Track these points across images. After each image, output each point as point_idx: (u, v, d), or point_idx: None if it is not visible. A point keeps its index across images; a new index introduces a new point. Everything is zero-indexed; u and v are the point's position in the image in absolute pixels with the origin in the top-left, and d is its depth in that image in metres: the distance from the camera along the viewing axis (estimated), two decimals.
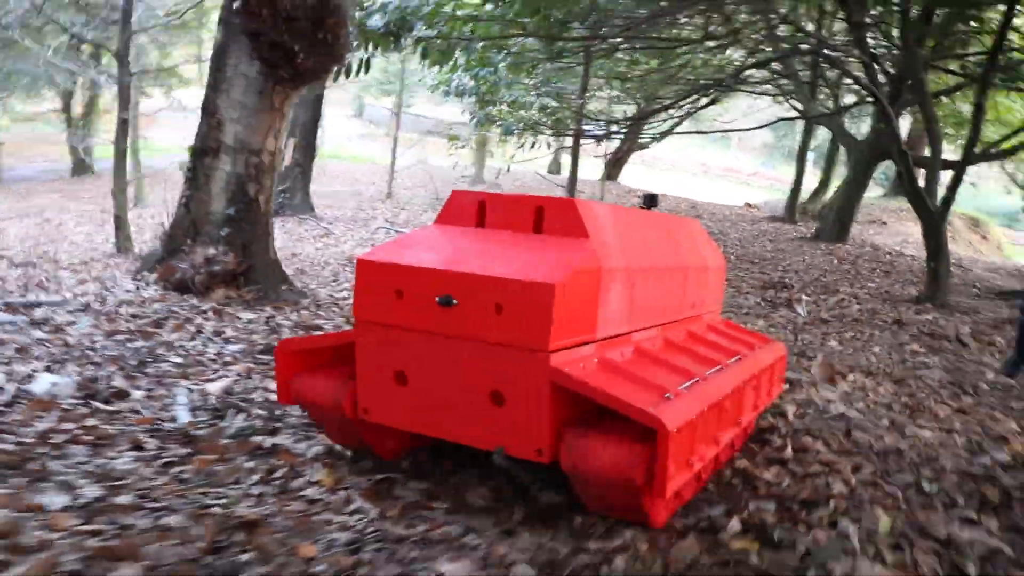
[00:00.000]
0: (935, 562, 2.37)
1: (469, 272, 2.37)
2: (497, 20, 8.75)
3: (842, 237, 14.13)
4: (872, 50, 10.79)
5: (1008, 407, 4.83)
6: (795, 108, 16.18)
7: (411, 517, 2.49)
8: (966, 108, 17.11)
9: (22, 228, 11.71)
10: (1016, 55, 10.67)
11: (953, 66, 13.43)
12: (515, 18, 8.62)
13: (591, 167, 21.52)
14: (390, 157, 19.26)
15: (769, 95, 17.15)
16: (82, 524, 2.27)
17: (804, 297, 8.53)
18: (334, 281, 7.19)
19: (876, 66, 10.60)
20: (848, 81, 14.28)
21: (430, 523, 2.45)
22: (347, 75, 6.96)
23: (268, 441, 3.03)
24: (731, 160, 50.53)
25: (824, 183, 19.92)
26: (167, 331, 4.68)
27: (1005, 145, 11.36)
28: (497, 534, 2.39)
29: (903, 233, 18.43)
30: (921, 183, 9.52)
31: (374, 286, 2.53)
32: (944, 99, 14.79)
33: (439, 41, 8.47)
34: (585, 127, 11.67)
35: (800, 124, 19.38)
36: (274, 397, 3.51)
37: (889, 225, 19.52)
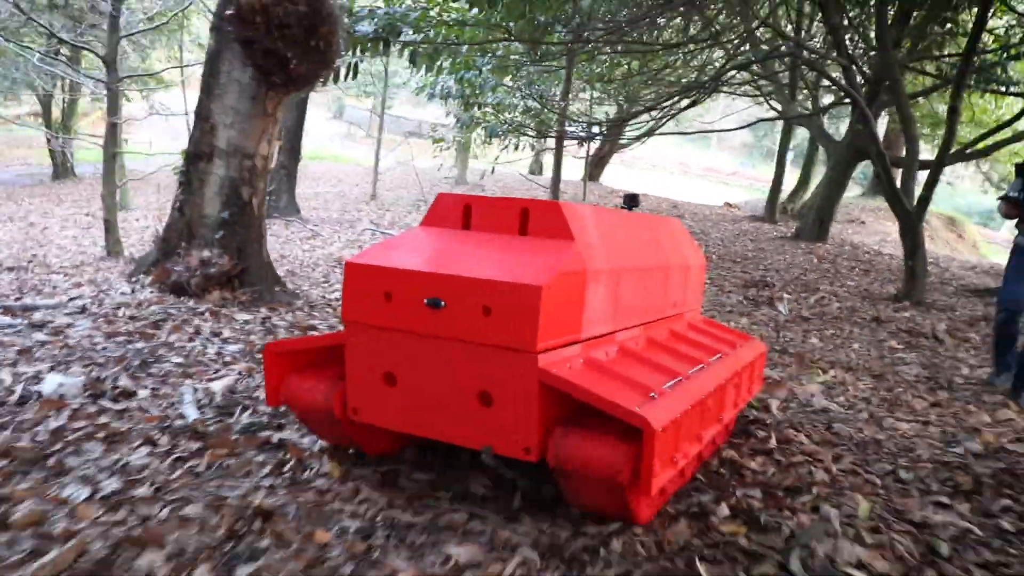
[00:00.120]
0: (911, 543, 2.52)
1: (457, 275, 2.40)
2: (483, 24, 8.87)
3: (822, 236, 14.34)
4: (850, 52, 10.98)
5: (981, 401, 5.00)
6: (774, 109, 16.39)
7: (418, 505, 2.62)
8: (942, 108, 17.41)
9: (7, 232, 11.71)
10: (990, 57, 10.89)
11: (929, 68, 13.68)
12: (500, 23, 8.74)
13: (572, 167, 21.68)
14: (373, 159, 19.33)
15: (749, 96, 17.37)
16: (105, 514, 2.39)
17: (785, 295, 8.70)
18: (325, 282, 7.30)
19: (854, 67, 10.80)
20: (827, 82, 14.51)
21: (436, 511, 2.57)
22: (335, 80, 7.06)
23: (275, 436, 3.14)
24: (711, 160, 50.88)
25: (803, 183, 20.16)
26: (166, 332, 4.77)
27: (980, 145, 11.57)
28: (500, 520, 2.52)
29: (881, 232, 18.68)
30: (898, 183, 9.73)
31: (363, 288, 2.56)
32: (920, 100, 15.05)
33: (425, 46, 8.58)
34: (568, 129, 11.83)
35: (779, 124, 19.61)
36: None
37: (867, 224, 19.77)
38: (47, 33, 17.00)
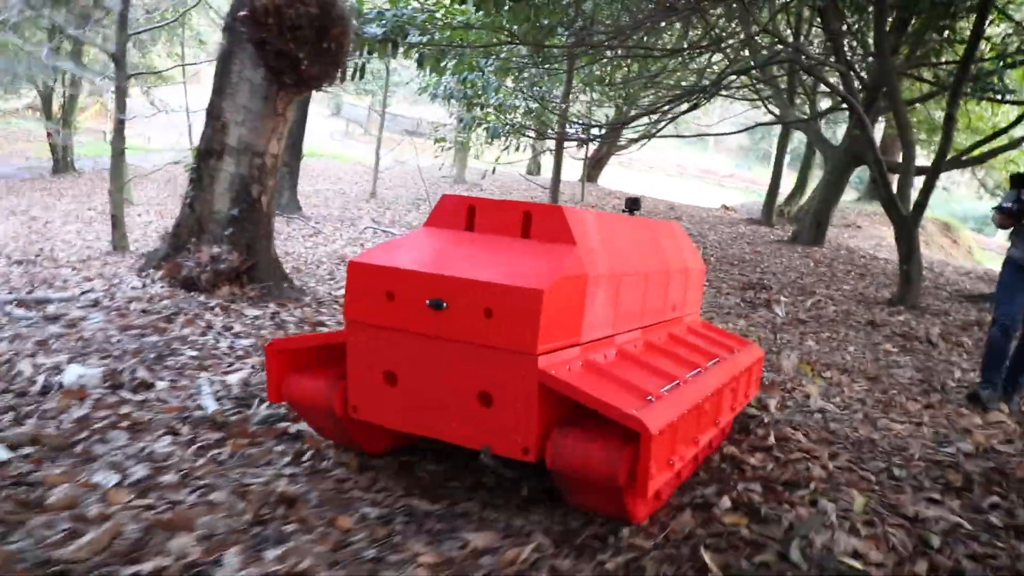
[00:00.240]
0: (904, 535, 2.63)
1: (460, 276, 2.43)
2: (488, 28, 9.00)
3: (818, 240, 14.47)
4: (848, 58, 11.11)
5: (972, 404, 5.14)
6: (772, 113, 16.53)
7: (434, 494, 2.73)
8: (938, 115, 17.56)
9: (10, 226, 11.80)
10: (986, 65, 11.02)
11: (926, 74, 13.82)
12: (505, 26, 8.86)
13: (570, 168, 21.82)
14: (373, 157, 19.43)
15: (747, 100, 17.51)
16: (135, 499, 2.49)
17: (782, 298, 8.83)
18: (331, 279, 7.40)
19: (852, 73, 10.94)
20: (824, 87, 14.66)
21: (451, 500, 2.69)
22: (342, 80, 7.18)
23: (293, 427, 3.25)
24: (707, 161, 51.04)
25: (800, 187, 20.31)
26: (178, 326, 4.87)
27: (976, 152, 11.71)
28: (514, 509, 2.64)
29: (877, 236, 18.83)
30: (895, 188, 9.85)
31: (366, 288, 2.59)
32: (917, 106, 15.19)
33: (432, 48, 8.70)
34: (568, 130, 11.95)
35: (777, 128, 19.75)
36: None
37: (863, 228, 19.92)
38: (48, 28, 17.17)
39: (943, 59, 12.98)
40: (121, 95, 7.76)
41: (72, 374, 3.70)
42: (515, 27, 8.81)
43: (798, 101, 16.37)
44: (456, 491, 2.78)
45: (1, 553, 2.04)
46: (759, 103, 16.92)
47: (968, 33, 11.05)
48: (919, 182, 10.10)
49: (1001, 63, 10.91)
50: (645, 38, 11.50)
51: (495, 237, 2.73)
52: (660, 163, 45.58)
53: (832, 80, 12.16)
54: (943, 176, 9.77)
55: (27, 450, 2.81)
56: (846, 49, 11.39)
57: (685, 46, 11.85)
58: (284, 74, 5.45)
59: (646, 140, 11.84)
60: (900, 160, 11.94)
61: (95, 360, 4.02)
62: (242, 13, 5.30)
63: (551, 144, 12.44)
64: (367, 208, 15.91)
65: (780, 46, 11.13)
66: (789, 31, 13.40)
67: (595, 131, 13.56)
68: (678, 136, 13.33)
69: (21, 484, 2.52)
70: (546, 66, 11.14)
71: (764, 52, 11.73)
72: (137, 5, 14.53)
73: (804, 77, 15.00)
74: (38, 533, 2.20)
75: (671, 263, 3.48)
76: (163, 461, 2.82)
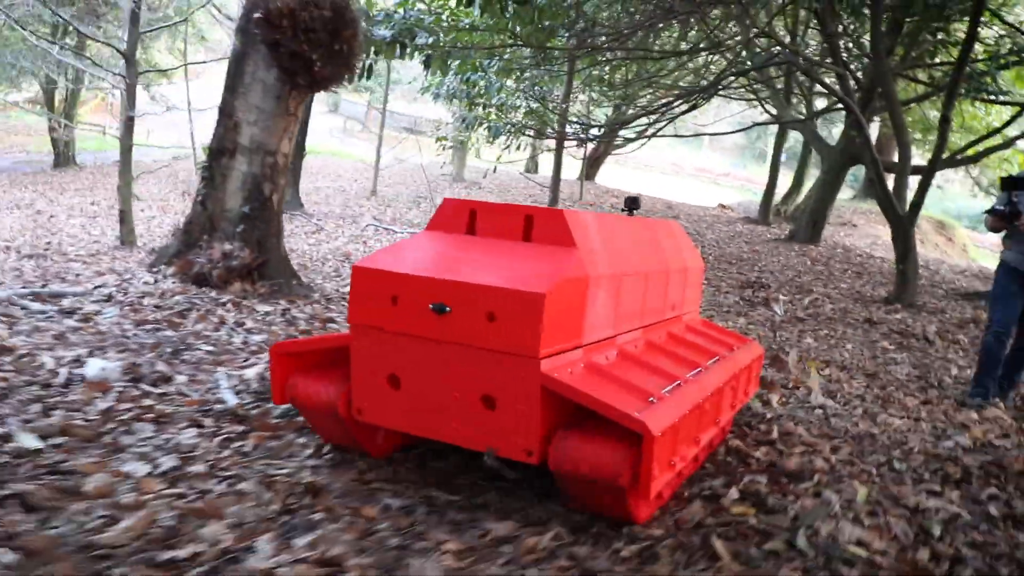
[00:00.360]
0: (905, 524, 2.74)
1: (462, 281, 2.46)
2: (492, 29, 9.10)
3: (815, 239, 14.59)
4: (844, 59, 11.22)
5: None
6: (769, 112, 16.64)
7: (452, 486, 2.83)
8: (933, 114, 17.68)
9: (16, 220, 11.86)
10: (980, 66, 11.14)
11: (920, 75, 13.93)
12: (509, 28, 8.97)
13: (568, 167, 21.91)
14: (372, 155, 19.51)
15: (744, 100, 17.62)
16: (167, 488, 2.59)
17: (781, 296, 8.93)
18: (337, 276, 7.49)
19: (848, 74, 11.04)
20: (820, 87, 14.77)
21: (469, 492, 2.79)
22: (351, 81, 7.26)
23: None
24: (703, 160, 51.07)
25: (797, 186, 20.42)
26: (192, 321, 4.97)
27: (971, 151, 11.83)
28: (530, 500, 2.74)
29: (872, 235, 18.95)
30: (891, 188, 9.96)
31: (370, 292, 2.61)
32: (912, 106, 15.30)
33: (439, 49, 8.80)
34: (568, 130, 12.05)
35: (773, 127, 19.86)
36: None
37: (859, 227, 20.04)
38: (52, 23, 17.22)
39: (937, 60, 13.10)
40: (131, 92, 7.84)
41: (94, 367, 3.79)
42: (518, 29, 8.92)
43: (794, 101, 16.48)
44: (473, 483, 2.87)
45: (45, 538, 2.13)
46: (756, 103, 17.04)
47: (961, 35, 11.18)
48: (914, 181, 10.24)
49: (994, 64, 11.01)
50: (642, 39, 11.60)
51: (496, 241, 2.76)
52: (656, 162, 45.63)
53: (828, 81, 12.29)
54: (937, 174, 9.85)
55: (58, 440, 2.90)
56: (842, 51, 11.48)
57: (683, 47, 11.98)
58: (298, 75, 5.55)
59: (646, 140, 11.94)
60: (895, 159, 12.06)
61: (113, 354, 4.11)
62: (257, 15, 5.40)
63: (551, 143, 12.53)
64: (368, 205, 16.00)
65: (777, 48, 11.23)
66: (786, 32, 13.50)
67: (594, 131, 13.66)
68: (678, 136, 13.42)
69: (55, 472, 2.61)
70: (545, 68, 11.24)
71: (761, 53, 11.85)
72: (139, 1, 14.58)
73: (801, 78, 15.11)
74: (77, 519, 2.29)
75: (670, 262, 3.52)
76: (189, 452, 2.91)
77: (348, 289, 6.71)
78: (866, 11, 10.75)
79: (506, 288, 2.40)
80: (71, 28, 18.57)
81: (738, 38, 11.54)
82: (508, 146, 12.19)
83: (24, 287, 5.62)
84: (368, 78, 8.88)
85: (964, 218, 27.65)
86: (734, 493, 2.89)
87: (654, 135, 11.44)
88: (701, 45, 11.27)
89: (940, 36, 12.30)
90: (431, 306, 2.49)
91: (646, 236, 3.38)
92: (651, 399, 2.51)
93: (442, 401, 2.56)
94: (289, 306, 5.59)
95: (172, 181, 18.23)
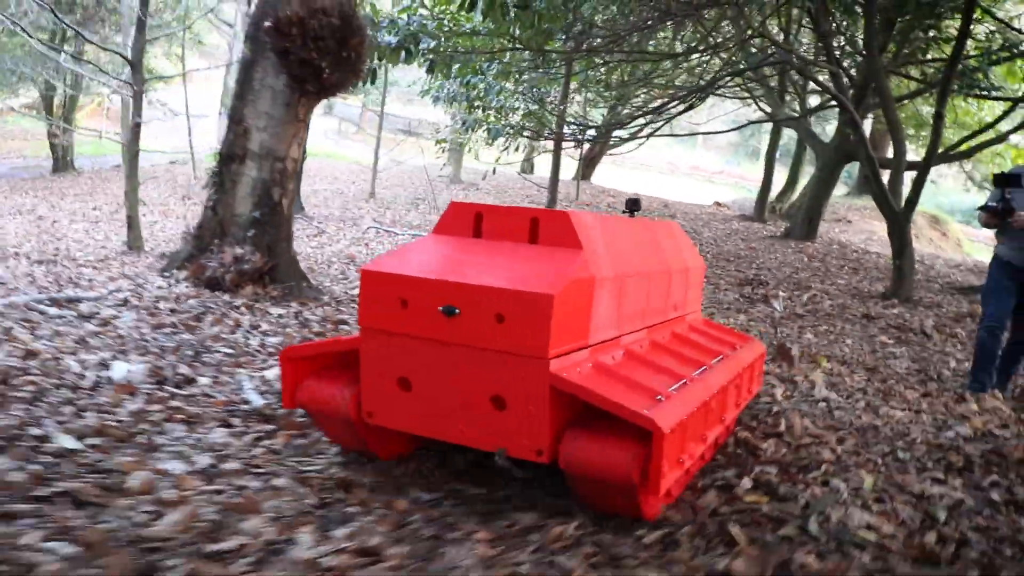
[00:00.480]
0: (912, 510, 2.86)
1: (471, 283, 2.48)
2: (493, 34, 9.23)
3: (810, 235, 14.70)
4: (838, 58, 11.34)
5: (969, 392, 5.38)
6: (763, 111, 16.76)
7: (476, 479, 2.94)
8: (926, 110, 17.85)
9: (19, 226, 11.94)
10: (972, 62, 11.26)
11: (913, 72, 14.07)
12: (509, 32, 9.09)
13: (564, 167, 22.01)
14: (369, 157, 19.61)
15: (738, 98, 17.75)
16: (205, 485, 2.70)
17: (780, 293, 9.06)
18: (344, 279, 7.60)
19: (842, 72, 11.18)
20: (814, 85, 14.90)
21: (491, 485, 2.90)
22: (354, 86, 7.39)
23: None
24: (697, 158, 51.23)
25: (791, 183, 20.56)
26: (208, 325, 5.08)
27: (964, 147, 11.96)
28: (553, 491, 2.85)
29: (867, 231, 19.10)
30: (886, 184, 10.09)
31: (379, 295, 2.63)
32: (905, 102, 15.44)
33: (441, 54, 8.93)
34: (565, 131, 12.18)
35: (767, 125, 20.01)
36: None
37: (854, 223, 20.19)
38: (50, 30, 17.30)
39: (929, 56, 13.23)
40: (138, 99, 7.94)
41: (120, 370, 3.90)
42: (518, 32, 9.04)
43: (788, 98, 16.61)
44: (495, 477, 2.98)
45: (98, 532, 2.24)
46: (750, 101, 17.16)
47: (953, 31, 11.32)
48: (908, 177, 10.37)
49: (985, 60, 11.13)
50: (639, 40, 11.72)
51: (503, 243, 2.79)
52: (651, 161, 45.75)
53: (821, 78, 12.42)
54: (931, 169, 9.97)
55: (94, 440, 3.00)
56: (835, 49, 11.61)
57: (679, 49, 12.10)
58: (307, 82, 5.66)
59: (644, 140, 12.07)
60: (889, 156, 12.20)
61: (136, 357, 4.21)
62: (267, 24, 5.50)
63: (548, 144, 12.65)
64: (367, 208, 16.11)
65: (772, 48, 11.36)
66: (779, 30, 13.62)
67: (591, 132, 13.79)
68: (674, 135, 13.56)
69: (97, 471, 2.72)
70: (543, 70, 11.36)
71: (756, 52, 11.97)
72: (134, 7, 14.66)
73: (795, 76, 15.24)
74: (125, 515, 2.40)
75: (672, 263, 3.56)
76: (222, 450, 3.02)
77: (356, 291, 6.85)
78: (859, 10, 10.90)
79: (515, 290, 2.42)
80: (69, 35, 18.71)
81: (732, 39, 11.67)
82: (507, 147, 12.31)
83: (40, 292, 5.72)
84: (373, 83, 9.00)
85: (957, 212, 27.86)
86: (747, 483, 3.00)
87: (651, 135, 11.56)
88: (697, 46, 11.39)
89: (932, 33, 12.42)
90: (440, 308, 2.51)
91: (648, 237, 3.42)
92: (659, 397, 2.54)
93: (452, 403, 2.58)
94: (301, 308, 5.70)
95: (171, 186, 18.31)
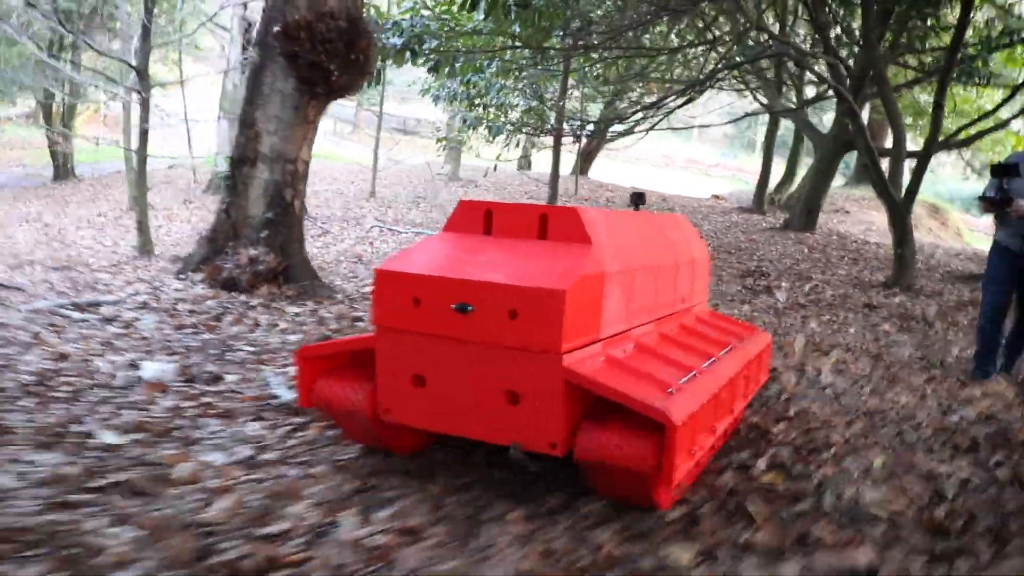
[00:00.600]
0: (921, 488, 2.99)
1: (484, 280, 2.51)
2: (495, 32, 9.36)
3: (810, 227, 14.81)
4: (834, 48, 11.45)
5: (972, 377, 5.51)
6: (759, 102, 16.87)
7: (501, 464, 3.07)
8: (924, 98, 17.98)
9: (27, 234, 12.06)
10: (971, 50, 11.35)
11: (911, 61, 14.19)
12: (509, 31, 9.23)
13: (561, 161, 22.11)
14: (367, 157, 19.72)
15: (735, 90, 17.87)
16: (247, 474, 2.83)
17: (783, 284, 9.19)
18: (354, 277, 7.72)
19: (840, 62, 11.28)
20: (810, 75, 15.02)
21: (519, 469, 3.03)
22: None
23: None
24: (693, 151, 51.31)
25: (790, 174, 20.69)
26: (227, 324, 5.20)
27: (963, 135, 12.05)
28: (576, 475, 2.98)
29: (866, 221, 19.24)
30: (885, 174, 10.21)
31: (392, 294, 2.66)
32: (902, 91, 15.56)
33: (444, 54, 9.06)
34: (565, 127, 12.31)
35: (765, 117, 20.13)
36: None
37: (852, 214, 20.33)
38: (49, 38, 17.40)
39: (927, 45, 13.32)
40: (145, 105, 8.07)
41: (151, 369, 4.02)
42: (518, 30, 9.18)
43: (784, 90, 16.72)
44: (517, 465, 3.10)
45: (156, 517, 2.37)
46: (746, 93, 17.26)
47: (951, 19, 11.42)
48: (907, 166, 10.49)
49: (984, 48, 11.20)
50: (635, 36, 11.83)
51: (513, 240, 2.82)
52: (648, 154, 45.81)
53: (818, 69, 12.53)
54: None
55: (135, 435, 3.13)
56: (832, 39, 11.71)
57: (674, 42, 12.22)
58: (316, 84, 5.78)
59: (643, 134, 12.19)
60: (887, 145, 12.30)
61: (161, 356, 4.34)
62: (276, 29, 5.62)
63: (548, 140, 12.77)
64: (368, 207, 16.21)
65: (770, 40, 11.47)
66: (774, 21, 13.71)
67: (590, 127, 13.91)
68: (672, 128, 13.69)
69: (142, 464, 2.85)
70: (543, 67, 11.48)
71: (752, 44, 12.08)
72: (133, 13, 14.75)
73: (792, 68, 15.35)
74: (176, 502, 2.53)
75: (679, 255, 3.60)
76: (259, 442, 3.15)
77: (367, 289, 6.98)
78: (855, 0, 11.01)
79: (528, 286, 2.46)
80: (68, 42, 18.83)
81: (728, 31, 11.79)
82: (508, 144, 12.44)
83: (60, 298, 5.84)
84: (378, 84, 9.13)
85: (956, 201, 27.95)
86: (762, 464, 3.13)
87: (651, 129, 11.69)
88: (694, 40, 11.51)
89: (930, 22, 12.50)
90: (454, 306, 2.54)
91: (654, 230, 3.46)
92: (670, 390, 2.57)
93: (467, 398, 2.62)
94: (317, 307, 5.83)
95: (172, 190, 18.40)
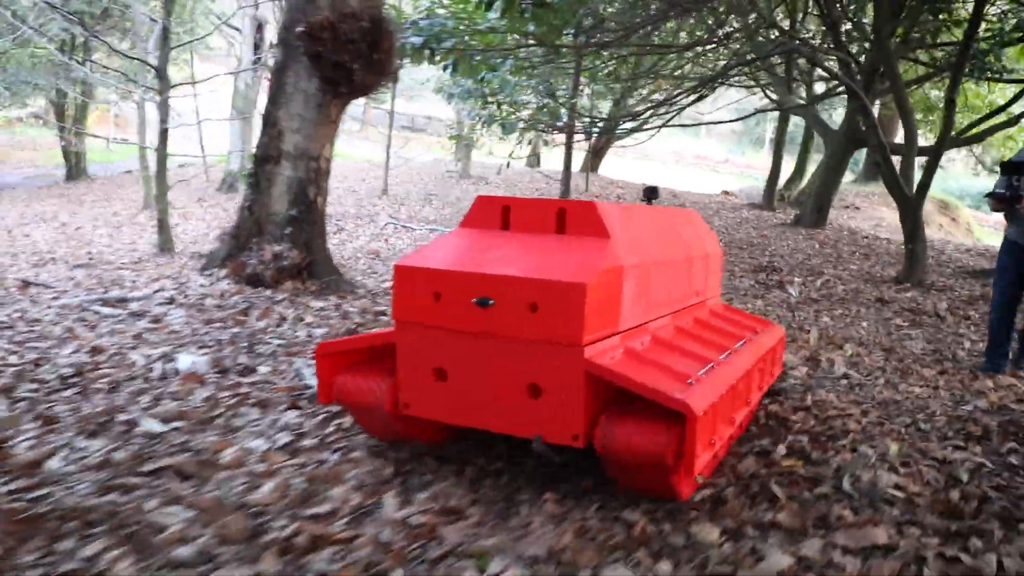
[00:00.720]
0: (936, 473, 3.09)
1: (504, 274, 2.54)
2: (510, 31, 9.48)
3: (820, 223, 14.85)
4: (845, 44, 11.50)
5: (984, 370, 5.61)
6: (770, 98, 16.92)
7: (528, 450, 3.18)
8: (935, 94, 18.00)
9: (45, 233, 12.22)
10: (983, 45, 11.38)
11: (922, 56, 14.21)
12: (524, 29, 9.34)
13: (572, 158, 22.19)
14: (376, 155, 19.85)
15: (745, 87, 17.93)
16: (289, 459, 2.95)
17: (796, 279, 9.28)
18: (373, 273, 7.85)
19: (851, 58, 11.34)
20: (820, 70, 15.07)
21: (540, 458, 3.14)
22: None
23: None
24: (701, 147, 51.31)
25: (800, 171, 20.73)
26: (254, 319, 5.32)
27: (975, 131, 12.08)
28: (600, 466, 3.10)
29: (876, 217, 19.28)
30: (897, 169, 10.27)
31: (412, 289, 2.70)
32: (914, 87, 15.59)
33: (463, 52, 9.18)
34: (577, 124, 12.41)
35: (773, 113, 20.18)
36: None
37: (863, 210, 20.37)
38: (60, 39, 17.57)
39: (939, 40, 13.34)
40: (164, 105, 8.20)
41: (186, 361, 4.15)
42: (533, 29, 9.29)
43: (795, 86, 16.76)
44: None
45: (208, 499, 2.49)
46: (756, 89, 17.31)
47: (964, 13, 11.44)
48: (917, 162, 10.54)
49: (997, 43, 11.21)
50: (647, 33, 11.92)
51: (531, 235, 2.85)
52: (657, 151, 45.84)
53: (828, 65, 12.59)
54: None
55: (177, 424, 3.26)
56: (843, 35, 11.77)
57: (683, 39, 12.30)
58: (339, 84, 5.90)
59: (656, 131, 12.29)
60: (897, 141, 12.34)
61: (195, 349, 4.47)
62: (299, 29, 5.74)
63: (559, 137, 12.87)
64: (381, 204, 16.35)
65: (781, 36, 11.55)
66: (784, 16, 13.75)
67: (601, 124, 14.01)
68: (683, 125, 13.76)
69: (188, 450, 2.97)
70: (555, 63, 11.58)
71: (765, 42, 12.15)
72: (145, 15, 14.89)
73: (802, 64, 15.39)
74: (225, 485, 2.65)
75: (693, 249, 3.64)
76: (298, 429, 3.27)
77: (387, 284, 7.10)
78: None
79: (549, 280, 2.48)
80: (78, 43, 19.00)
81: (740, 28, 11.86)
82: (520, 141, 12.55)
83: (88, 294, 5.98)
84: (395, 82, 9.25)
85: (967, 197, 27.92)
86: (782, 450, 3.24)
87: (663, 126, 11.78)
88: (707, 37, 11.60)
89: (943, 17, 12.52)
90: (474, 300, 2.57)
91: (669, 225, 3.50)
92: (689, 381, 2.60)
93: (488, 392, 2.64)
94: (340, 301, 5.95)
95: (185, 189, 18.57)
